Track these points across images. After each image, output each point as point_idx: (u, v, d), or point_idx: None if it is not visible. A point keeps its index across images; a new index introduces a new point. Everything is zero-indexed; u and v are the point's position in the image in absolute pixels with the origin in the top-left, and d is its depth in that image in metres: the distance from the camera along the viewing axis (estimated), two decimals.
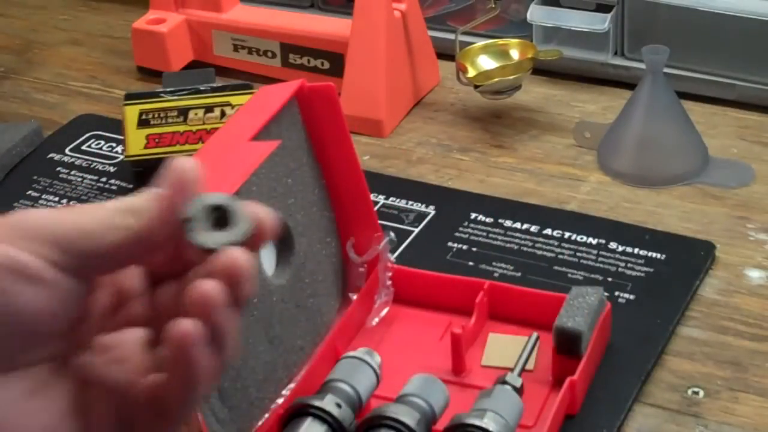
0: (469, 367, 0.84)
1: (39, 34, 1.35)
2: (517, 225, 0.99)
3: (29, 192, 1.07)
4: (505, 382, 0.77)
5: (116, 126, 1.13)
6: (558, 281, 0.92)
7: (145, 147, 1.04)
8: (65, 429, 0.52)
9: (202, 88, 1.09)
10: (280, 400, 0.79)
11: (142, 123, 1.06)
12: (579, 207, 1.02)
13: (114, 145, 1.13)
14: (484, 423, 0.73)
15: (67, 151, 1.13)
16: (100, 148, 1.13)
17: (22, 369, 0.52)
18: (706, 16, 1.13)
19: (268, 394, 0.79)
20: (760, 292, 0.92)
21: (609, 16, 1.16)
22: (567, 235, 0.98)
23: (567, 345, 0.81)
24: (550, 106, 1.16)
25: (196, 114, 1.07)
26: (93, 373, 0.53)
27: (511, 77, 1.11)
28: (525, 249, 0.96)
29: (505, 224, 0.99)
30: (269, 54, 1.22)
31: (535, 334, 0.82)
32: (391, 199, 1.04)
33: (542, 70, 1.19)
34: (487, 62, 1.15)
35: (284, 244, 0.83)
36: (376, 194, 1.03)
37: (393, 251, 0.94)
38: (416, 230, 1.00)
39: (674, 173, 1.04)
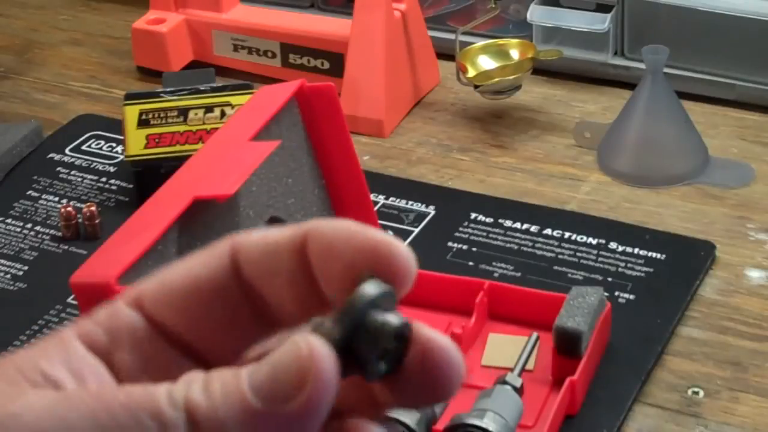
0: (469, 367, 0.84)
1: (39, 34, 1.35)
2: (517, 225, 0.99)
3: (29, 192, 1.07)
4: (505, 382, 0.77)
5: (116, 126, 1.13)
6: (558, 281, 0.92)
7: (145, 147, 1.04)
8: None
9: (202, 88, 1.09)
10: None
11: (142, 123, 1.06)
12: (579, 207, 1.02)
13: (114, 145, 1.13)
14: (484, 423, 0.73)
15: (67, 151, 1.13)
16: (100, 148, 1.13)
17: None
18: (706, 16, 1.13)
19: None
20: (760, 292, 0.92)
21: (609, 16, 1.16)
22: (567, 235, 0.98)
23: (567, 345, 0.81)
24: (550, 106, 1.16)
25: (196, 114, 1.07)
26: None
27: (511, 77, 1.11)
28: (525, 249, 0.96)
29: (505, 224, 0.99)
30: (269, 54, 1.22)
31: (535, 334, 0.82)
32: (391, 199, 1.04)
33: (542, 70, 1.19)
34: (487, 62, 1.15)
35: None
36: (376, 194, 1.03)
37: None
38: (416, 230, 1.00)
39: (674, 173, 1.04)
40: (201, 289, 0.39)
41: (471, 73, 1.14)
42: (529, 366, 0.82)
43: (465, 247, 0.97)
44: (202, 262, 0.39)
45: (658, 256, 0.95)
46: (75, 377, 0.38)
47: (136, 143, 1.05)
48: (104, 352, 0.39)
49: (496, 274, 0.94)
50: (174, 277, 0.39)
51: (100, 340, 0.39)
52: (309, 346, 0.34)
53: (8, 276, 0.97)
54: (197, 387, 0.35)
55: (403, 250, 0.37)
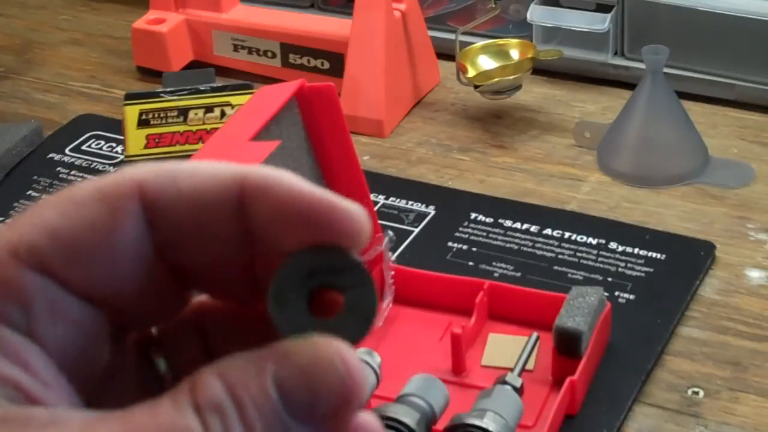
0: (469, 367, 0.84)
1: (39, 34, 1.35)
2: (517, 225, 0.99)
3: (29, 192, 1.07)
4: (505, 382, 0.77)
5: (116, 126, 1.13)
6: (558, 281, 0.92)
7: (145, 147, 1.04)
8: None
9: (202, 88, 1.09)
10: None
11: (142, 123, 1.06)
12: (579, 207, 1.02)
13: (114, 145, 1.13)
14: (484, 423, 0.73)
15: (67, 151, 1.13)
16: (100, 148, 1.13)
17: None
18: (706, 16, 1.13)
19: None
20: (760, 292, 0.92)
21: (609, 16, 1.16)
22: (567, 235, 0.98)
23: (567, 345, 0.81)
24: (550, 106, 1.16)
25: (196, 114, 1.07)
26: None
27: (511, 77, 1.11)
28: (525, 249, 0.96)
29: (505, 224, 0.99)
30: (269, 54, 1.22)
31: (535, 334, 0.82)
32: (391, 199, 1.04)
33: (542, 70, 1.19)
34: (487, 62, 1.15)
35: None
36: (376, 194, 1.03)
37: (393, 251, 0.94)
38: (416, 230, 1.00)
39: (674, 173, 1.04)
40: (108, 242, 0.35)
41: (471, 73, 1.14)
42: (529, 366, 0.82)
43: (465, 247, 0.97)
44: (103, 211, 0.35)
45: (658, 256, 0.95)
46: (21, 367, 0.33)
47: (136, 143, 1.05)
48: (23, 330, 0.34)
49: (496, 274, 0.94)
50: (71, 227, 0.34)
51: (15, 316, 0.34)
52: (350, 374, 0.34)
53: None
54: (233, 416, 0.33)
55: (350, 211, 0.35)
